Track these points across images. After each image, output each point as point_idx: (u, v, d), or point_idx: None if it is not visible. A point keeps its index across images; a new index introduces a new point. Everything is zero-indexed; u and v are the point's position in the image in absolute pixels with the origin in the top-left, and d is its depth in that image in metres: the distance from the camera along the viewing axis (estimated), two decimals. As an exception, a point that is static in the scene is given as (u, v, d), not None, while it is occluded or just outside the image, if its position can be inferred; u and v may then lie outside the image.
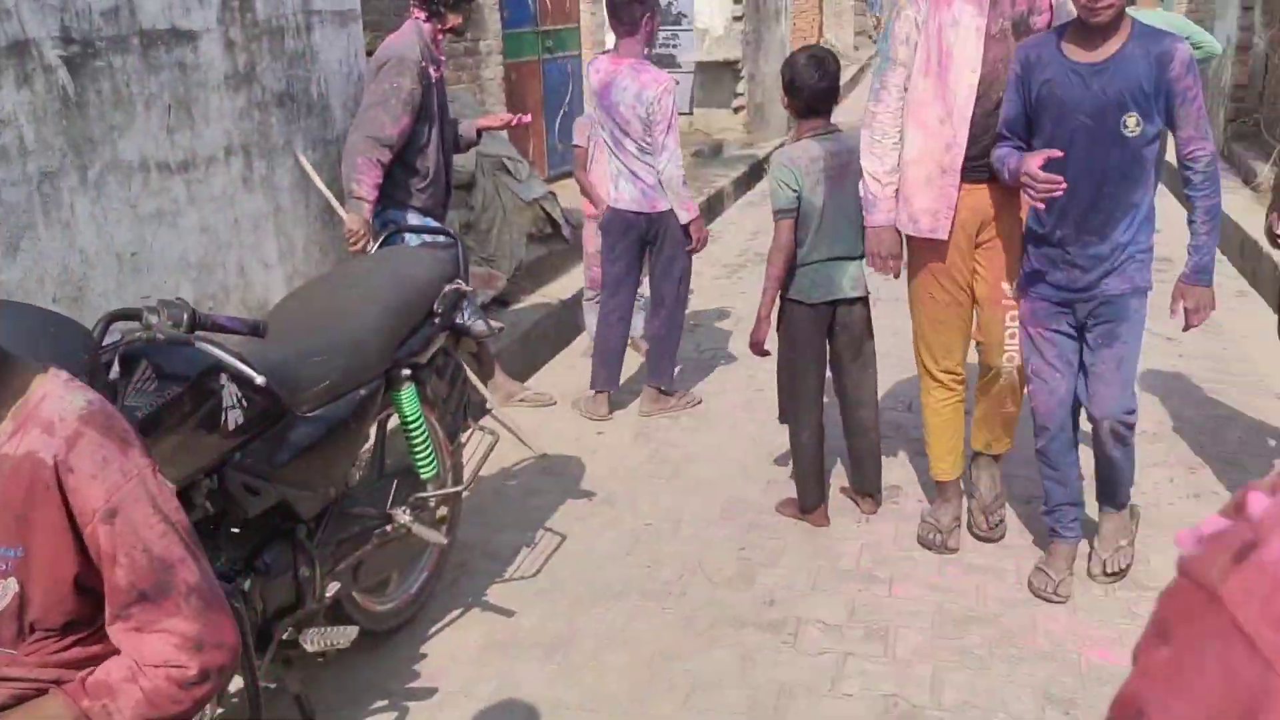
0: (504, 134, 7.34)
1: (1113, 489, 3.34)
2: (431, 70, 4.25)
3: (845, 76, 20.98)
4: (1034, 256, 3.17)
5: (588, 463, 4.38)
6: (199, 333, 2.17)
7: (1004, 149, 3.11)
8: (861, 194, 3.44)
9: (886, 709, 2.81)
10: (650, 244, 4.77)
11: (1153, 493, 3.96)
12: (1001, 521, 3.67)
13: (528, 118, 4.66)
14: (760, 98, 13.30)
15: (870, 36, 36.45)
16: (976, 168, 3.24)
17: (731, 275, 7.48)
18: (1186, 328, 3.12)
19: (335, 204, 4.33)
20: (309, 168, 4.33)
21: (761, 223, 9.12)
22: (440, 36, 4.34)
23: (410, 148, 4.21)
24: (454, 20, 4.32)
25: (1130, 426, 3.18)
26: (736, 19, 12.69)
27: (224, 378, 2.24)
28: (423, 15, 4.26)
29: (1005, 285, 3.38)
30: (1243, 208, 7.48)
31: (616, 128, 4.61)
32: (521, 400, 4.94)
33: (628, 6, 4.62)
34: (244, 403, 2.28)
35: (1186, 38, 7.00)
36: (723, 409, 4.98)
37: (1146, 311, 3.15)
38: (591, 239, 5.48)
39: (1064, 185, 2.84)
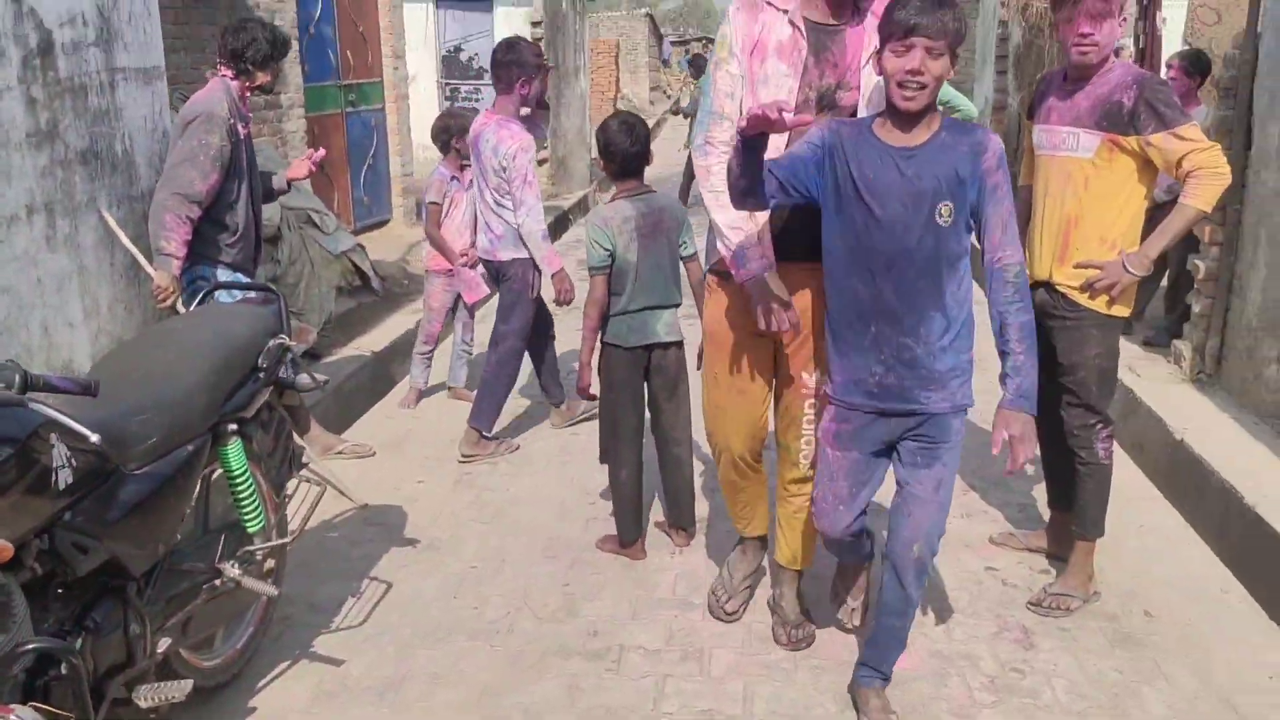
0: (309, 187, 7.35)
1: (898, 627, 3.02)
2: (240, 127, 4.30)
3: (643, 130, 21.57)
4: (839, 366, 2.86)
5: (410, 511, 4.47)
6: (31, 394, 2.20)
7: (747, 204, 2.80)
8: (724, 250, 3.06)
9: (704, 723, 3.03)
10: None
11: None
12: (805, 636, 3.41)
13: (322, 152, 4.72)
14: (563, 151, 13.65)
15: (665, 92, 37.75)
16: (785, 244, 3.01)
17: (541, 324, 7.66)
18: (1012, 468, 2.74)
19: (142, 261, 4.29)
20: (114, 225, 4.28)
21: (574, 270, 9.37)
22: (248, 94, 4.40)
23: (219, 204, 4.24)
24: (262, 78, 4.39)
25: (934, 554, 2.93)
26: (537, 75, 13.01)
27: (54, 437, 2.26)
28: (230, 73, 4.32)
29: (805, 375, 3.16)
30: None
31: (480, 177, 4.92)
32: (340, 452, 4.98)
33: (505, 67, 4.92)
34: (73, 462, 2.31)
35: (945, 101, 7.86)
36: (542, 452, 5.15)
37: (965, 432, 2.90)
38: (437, 294, 5.73)
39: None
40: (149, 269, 4.23)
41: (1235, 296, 5.27)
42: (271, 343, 3.09)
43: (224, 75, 4.32)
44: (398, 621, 3.60)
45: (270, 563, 3.14)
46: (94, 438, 2.27)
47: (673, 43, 46.21)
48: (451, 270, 5.73)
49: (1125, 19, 3.38)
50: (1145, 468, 4.89)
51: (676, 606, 3.68)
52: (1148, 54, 7.71)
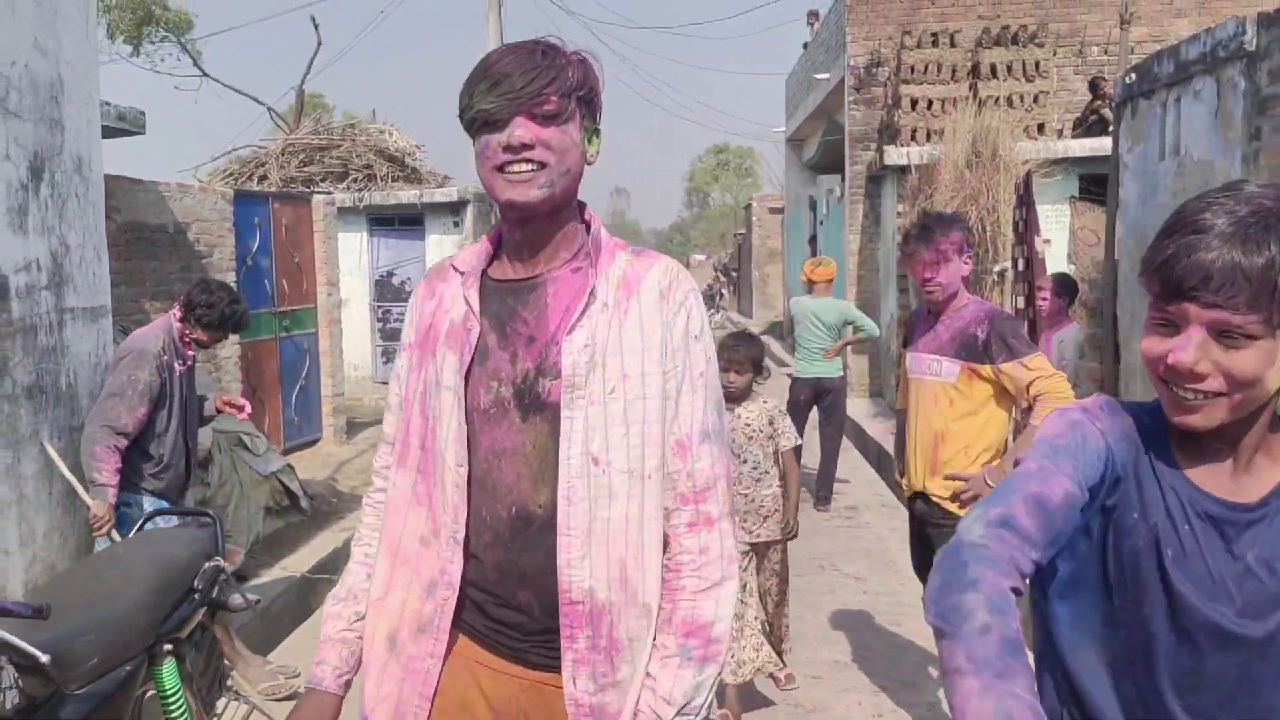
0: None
1: None
2: (177, 364, 4.56)
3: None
4: None
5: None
6: (-16, 619, 2.38)
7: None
8: None
9: None
10: None
11: (845, 714, 4.56)
12: None
13: (248, 409, 4.92)
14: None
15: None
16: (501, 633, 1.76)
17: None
18: None
19: (80, 490, 4.47)
20: (55, 456, 4.48)
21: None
22: (188, 340, 4.62)
23: (146, 434, 4.45)
24: (202, 337, 4.59)
25: None
26: (467, 297, 13.61)
27: (2, 659, 2.43)
28: (179, 315, 4.60)
29: None
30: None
31: None
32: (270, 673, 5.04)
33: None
34: (19, 683, 2.47)
35: (850, 322, 8.47)
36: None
37: None
38: None
39: None
40: (86, 498, 4.40)
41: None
42: (207, 564, 3.28)
43: (174, 315, 4.60)
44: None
45: (198, 785, 3.22)
46: (44, 658, 2.44)
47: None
48: None
49: (969, 259, 3.88)
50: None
51: None
52: (1028, 276, 8.45)
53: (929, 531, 3.90)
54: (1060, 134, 12.49)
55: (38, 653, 2.43)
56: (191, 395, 4.75)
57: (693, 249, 74.84)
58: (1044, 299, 7.19)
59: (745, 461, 4.56)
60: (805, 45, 20.36)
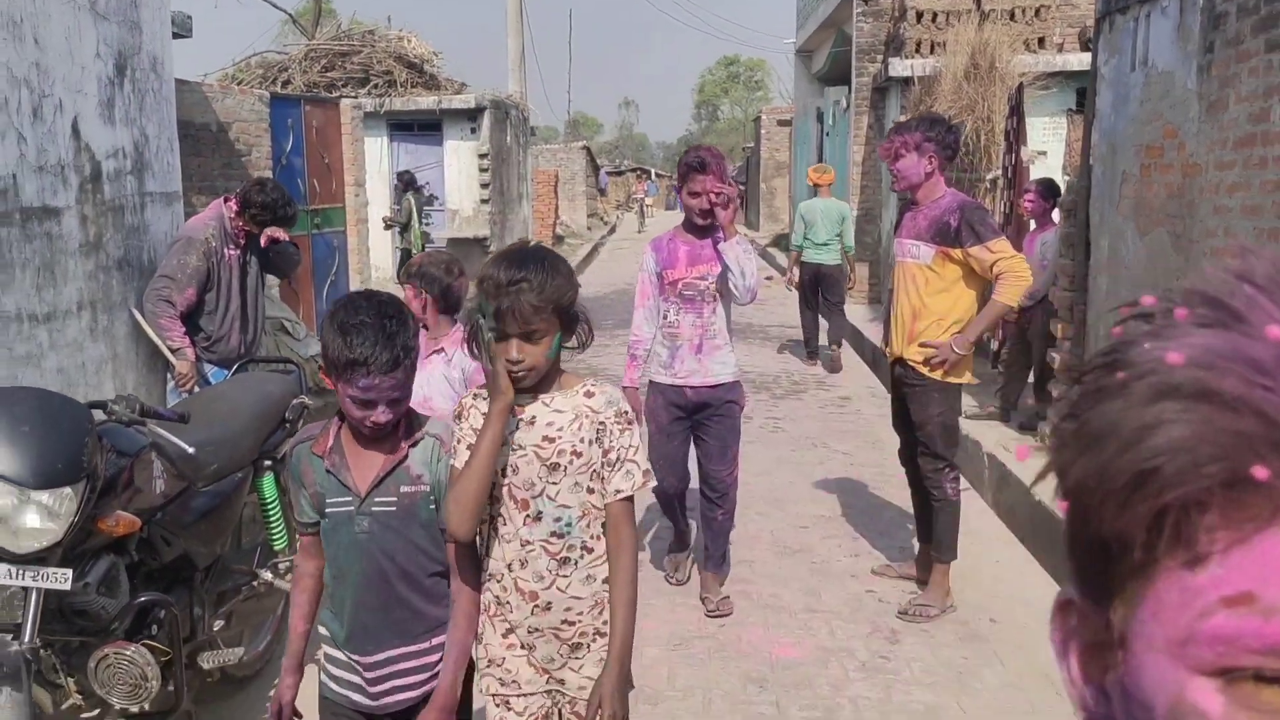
0: (277, 297, 8.22)
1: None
2: (227, 249, 5.10)
3: (579, 254, 22.93)
4: None
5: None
6: (146, 419, 3.03)
7: None
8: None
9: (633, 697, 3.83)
10: None
11: (827, 554, 5.26)
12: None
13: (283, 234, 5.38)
14: (507, 271, 14.66)
15: (601, 219, 39.44)
16: None
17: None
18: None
19: (166, 351, 5.11)
20: (142, 321, 5.12)
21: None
22: (240, 228, 5.14)
23: (198, 312, 5.03)
24: (252, 229, 5.14)
25: None
26: (484, 201, 14.14)
27: (155, 454, 3.09)
28: (235, 208, 5.13)
29: None
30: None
31: None
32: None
33: None
34: (166, 475, 3.13)
35: (843, 218, 9.37)
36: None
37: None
38: None
39: None
40: (171, 358, 5.04)
41: (1083, 382, 6.32)
42: (294, 401, 3.94)
43: (226, 201, 5.15)
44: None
45: (290, 575, 3.92)
46: (190, 450, 3.10)
47: (608, 173, 48.28)
48: None
49: (933, 157, 4.44)
50: (1014, 529, 5.82)
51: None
52: (1015, 183, 8.98)
53: (904, 391, 4.55)
54: (1060, 48, 12.85)
55: (186, 446, 3.09)
56: (246, 277, 5.25)
57: (701, 163, 74.52)
58: (1030, 202, 7.74)
59: (539, 518, 2.26)
60: (817, -44, 20.47)
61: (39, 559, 2.66)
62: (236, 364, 4.52)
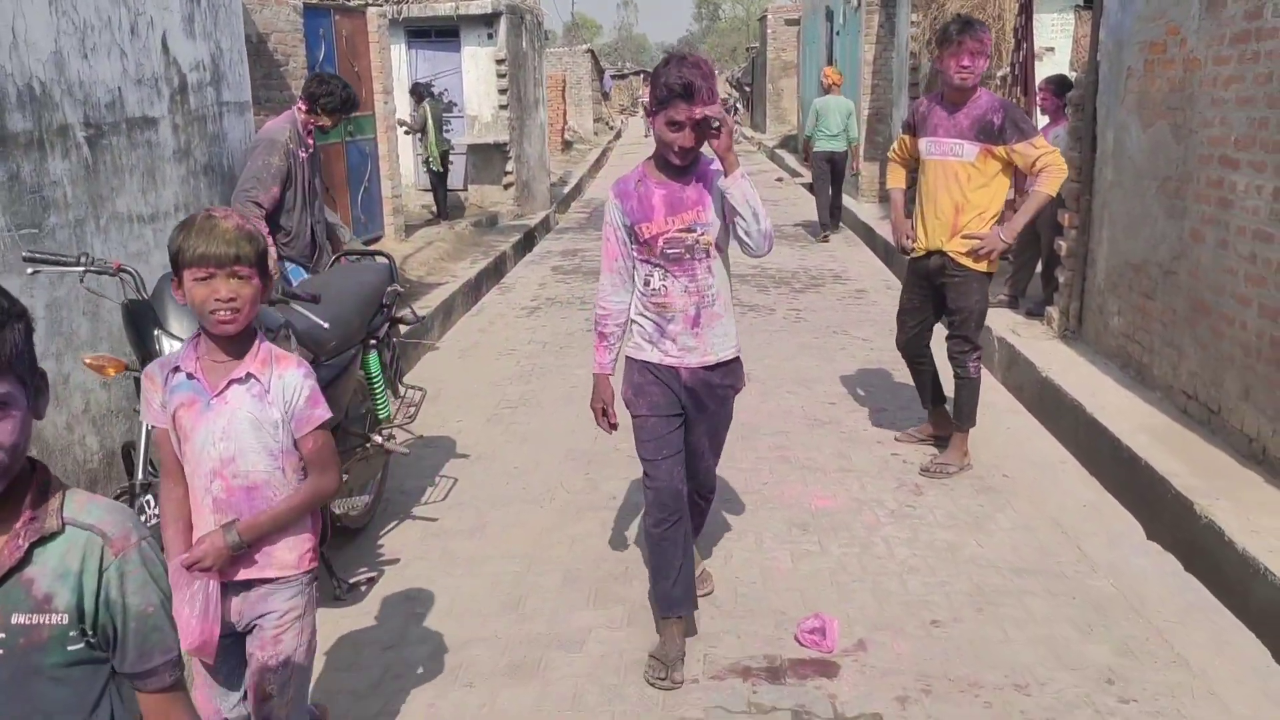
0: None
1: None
2: (300, 151, 5.54)
3: (589, 159, 23.08)
4: None
5: (456, 438, 5.80)
6: (284, 300, 3.54)
7: None
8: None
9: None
10: None
11: (850, 421, 5.82)
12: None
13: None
14: (526, 175, 15.04)
15: (607, 123, 39.45)
16: None
17: (530, 315, 9.05)
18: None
19: (249, 249, 5.59)
20: (228, 222, 5.58)
21: (545, 276, 10.78)
22: (311, 128, 5.59)
23: (278, 211, 5.49)
24: (324, 122, 5.58)
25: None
26: (503, 108, 14.41)
27: (290, 330, 3.60)
28: (304, 107, 5.57)
29: None
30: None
31: None
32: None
33: None
34: (298, 347, 3.65)
35: (849, 114, 10.08)
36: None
37: None
38: None
39: None
40: (255, 255, 5.52)
41: (1089, 267, 6.80)
42: (389, 289, 4.44)
43: (299, 108, 5.58)
44: (470, 497, 4.93)
45: (394, 439, 4.47)
46: (325, 325, 3.61)
47: (612, 76, 47.99)
48: None
49: (986, 58, 4.85)
50: (1022, 401, 6.36)
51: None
52: (1023, 79, 9.33)
53: (942, 281, 5.02)
54: (1071, -56, 12.99)
55: (321, 321, 3.60)
56: (314, 178, 5.72)
57: (703, 64, 73.69)
58: (1044, 98, 8.12)
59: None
60: None
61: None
62: (320, 257, 5.02)
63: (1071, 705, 3.19)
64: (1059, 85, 8.26)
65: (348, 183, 10.69)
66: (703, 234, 3.36)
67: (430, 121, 13.12)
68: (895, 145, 5.37)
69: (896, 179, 5.37)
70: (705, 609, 3.76)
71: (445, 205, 13.34)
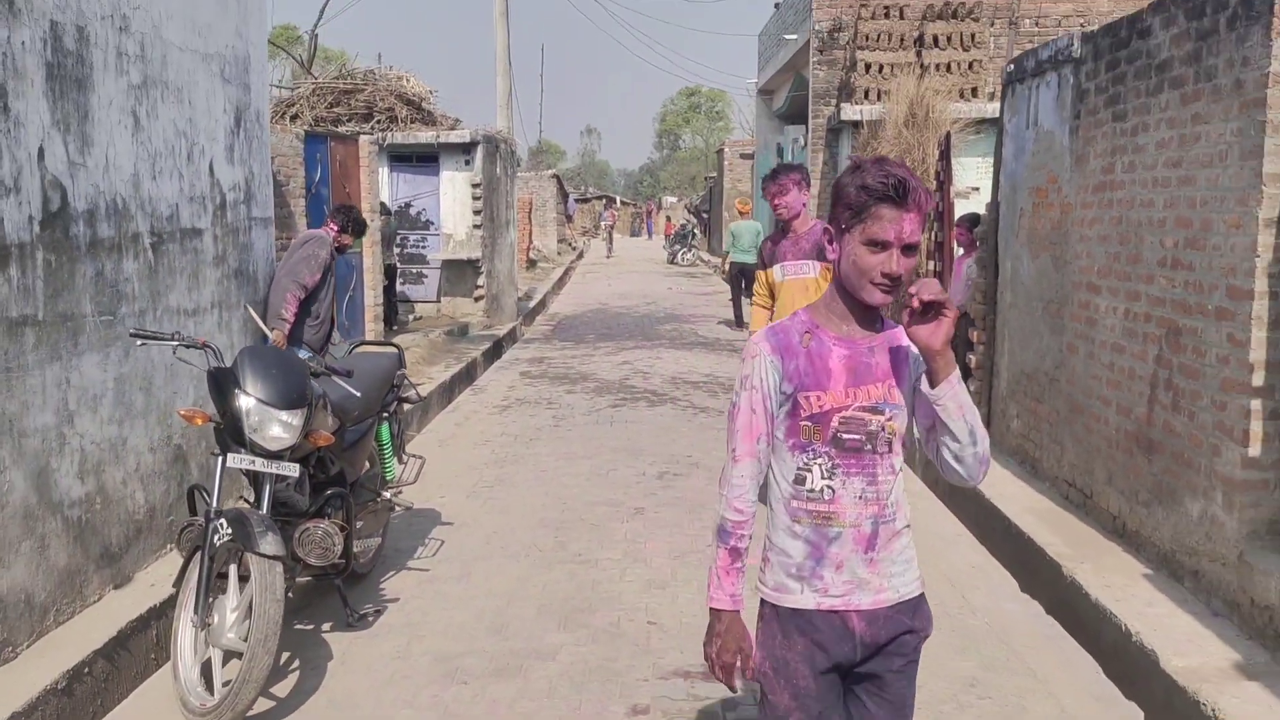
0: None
1: None
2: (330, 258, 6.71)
3: (553, 277, 24.26)
4: None
5: (441, 510, 6.64)
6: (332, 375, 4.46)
7: None
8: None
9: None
10: None
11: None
12: None
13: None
14: (495, 290, 16.12)
15: (570, 245, 41.02)
16: None
17: (503, 412, 9.96)
18: None
19: (265, 329, 6.52)
20: (253, 314, 6.51)
21: (514, 380, 11.72)
22: (337, 243, 6.87)
23: (312, 297, 6.63)
24: (344, 240, 6.89)
25: None
26: (476, 227, 15.57)
27: (326, 400, 4.50)
28: (335, 227, 6.77)
29: None
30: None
31: None
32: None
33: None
34: (331, 415, 4.55)
35: (758, 234, 11.32)
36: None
37: None
38: None
39: None
40: (268, 332, 6.47)
41: (995, 377, 7.88)
42: (398, 373, 5.38)
43: (329, 228, 6.77)
44: (456, 554, 5.77)
45: (398, 497, 5.34)
46: (359, 395, 4.51)
47: (576, 200, 49.90)
48: None
49: (805, 191, 6.02)
50: (935, 493, 7.29)
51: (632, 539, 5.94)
52: (944, 219, 10.57)
53: None
54: (992, 97, 14.56)
55: (355, 392, 4.50)
56: (336, 281, 6.87)
57: (663, 191, 76.54)
58: (959, 234, 9.32)
59: None
60: (777, 6, 22.25)
61: (277, 456, 4.07)
62: (331, 346, 6.01)
63: (941, 700, 4.08)
64: (971, 222, 9.47)
65: (335, 293, 11.65)
66: (890, 417, 2.45)
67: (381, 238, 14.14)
68: (757, 286, 6.41)
69: (760, 322, 6.35)
70: (653, 632, 4.62)
71: (394, 315, 14.03)
